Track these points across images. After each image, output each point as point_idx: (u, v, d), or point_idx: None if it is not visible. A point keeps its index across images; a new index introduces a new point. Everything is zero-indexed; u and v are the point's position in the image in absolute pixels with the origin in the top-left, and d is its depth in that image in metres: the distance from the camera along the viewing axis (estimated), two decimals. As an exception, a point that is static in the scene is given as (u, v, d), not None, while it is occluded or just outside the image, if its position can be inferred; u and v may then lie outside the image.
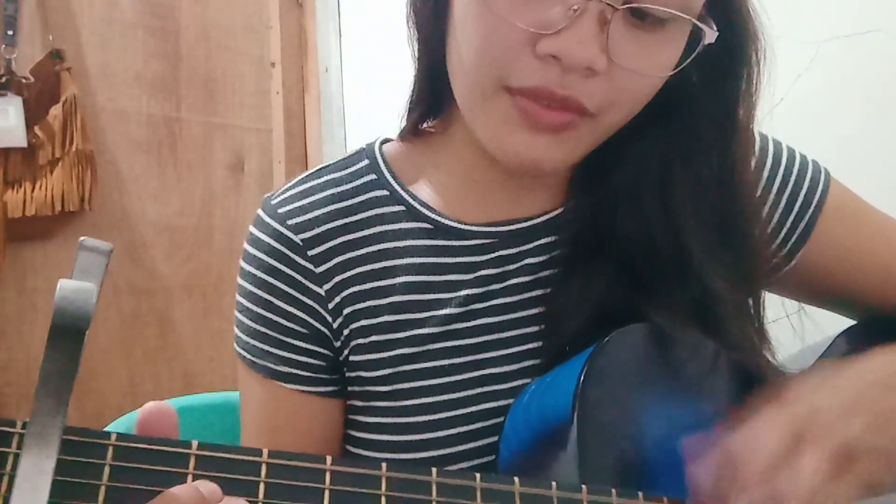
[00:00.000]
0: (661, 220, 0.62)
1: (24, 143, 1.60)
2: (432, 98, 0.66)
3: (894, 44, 0.97)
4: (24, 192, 1.61)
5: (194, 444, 0.37)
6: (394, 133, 0.71)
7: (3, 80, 1.59)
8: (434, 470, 0.42)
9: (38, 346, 1.63)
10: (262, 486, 0.38)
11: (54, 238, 1.66)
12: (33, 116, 1.61)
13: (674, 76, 0.57)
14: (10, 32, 1.62)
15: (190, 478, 0.36)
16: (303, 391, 0.64)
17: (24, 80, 1.62)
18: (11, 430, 0.34)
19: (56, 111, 1.63)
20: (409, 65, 0.67)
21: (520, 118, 0.55)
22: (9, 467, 0.33)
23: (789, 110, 1.03)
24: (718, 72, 0.60)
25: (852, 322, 0.74)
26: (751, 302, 0.64)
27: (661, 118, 0.61)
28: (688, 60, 0.56)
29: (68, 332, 0.32)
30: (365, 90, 1.95)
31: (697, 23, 0.55)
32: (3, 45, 1.61)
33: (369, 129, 1.91)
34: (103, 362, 1.68)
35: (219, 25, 1.92)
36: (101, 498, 0.34)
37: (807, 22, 1.05)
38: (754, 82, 0.61)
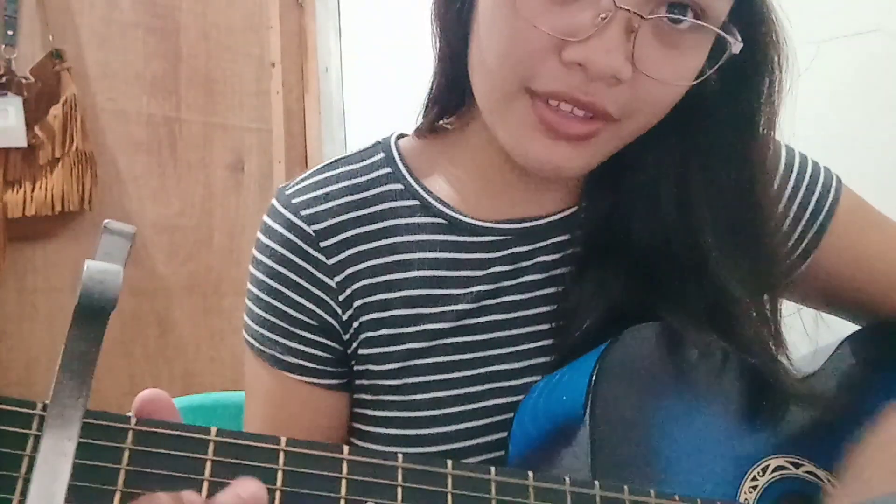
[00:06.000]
0: (679, 223, 0.61)
1: (24, 143, 1.59)
2: (451, 95, 0.66)
3: (894, 44, 0.98)
4: (24, 192, 1.60)
5: (213, 430, 0.37)
6: (399, 131, 0.71)
7: (3, 80, 1.59)
8: (450, 462, 0.42)
9: (38, 346, 1.62)
10: (279, 474, 0.38)
11: (54, 238, 1.66)
12: (33, 116, 1.61)
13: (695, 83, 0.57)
14: (10, 32, 1.61)
15: (209, 464, 0.36)
16: (308, 382, 0.64)
17: (24, 80, 1.61)
18: (32, 411, 0.33)
19: (56, 111, 1.63)
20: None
21: (541, 126, 0.55)
22: (29, 449, 0.33)
23: (789, 110, 1.03)
24: (740, 79, 0.60)
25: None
26: (767, 305, 0.64)
27: (681, 123, 0.60)
28: (712, 70, 0.56)
29: (94, 314, 0.32)
30: (365, 90, 1.95)
31: (723, 34, 0.54)
32: (3, 45, 1.61)
33: (369, 129, 1.92)
34: (103, 362, 1.65)
35: (219, 25, 1.92)
36: (120, 481, 0.34)
37: (807, 22, 1.05)
38: (776, 90, 0.61)
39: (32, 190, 1.61)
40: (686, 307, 0.59)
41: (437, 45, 0.64)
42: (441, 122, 0.69)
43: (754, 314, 0.62)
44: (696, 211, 0.61)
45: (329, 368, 0.64)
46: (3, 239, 1.59)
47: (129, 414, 0.37)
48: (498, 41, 0.55)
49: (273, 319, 0.64)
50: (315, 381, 0.64)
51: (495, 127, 0.59)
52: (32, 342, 1.62)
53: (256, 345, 0.65)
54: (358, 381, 0.65)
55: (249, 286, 0.66)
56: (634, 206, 0.63)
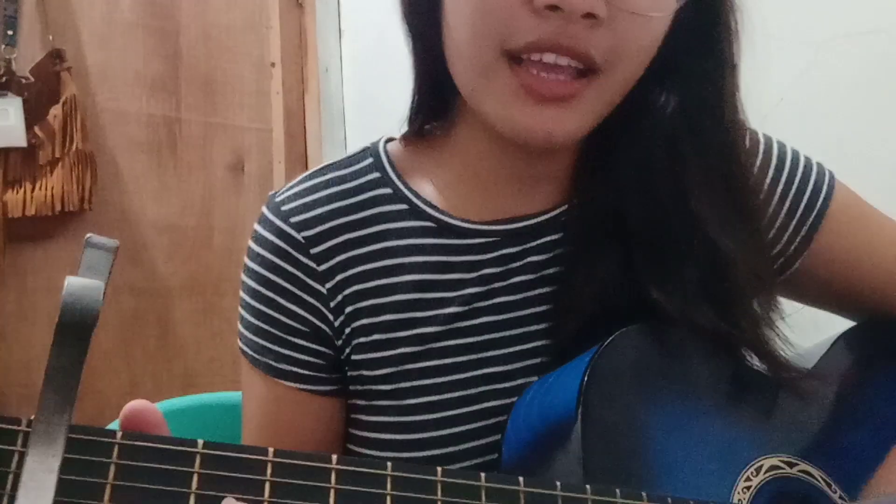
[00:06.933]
0: (673, 191, 0.61)
1: (24, 143, 1.60)
2: (434, 104, 0.66)
3: (894, 44, 0.97)
4: (24, 192, 1.61)
5: (200, 442, 0.37)
6: (395, 133, 0.71)
7: (3, 80, 1.59)
8: (439, 469, 0.42)
9: (39, 346, 1.63)
10: (267, 486, 0.38)
11: (54, 238, 1.66)
12: (33, 116, 1.62)
13: (663, 50, 0.58)
14: (10, 32, 1.62)
15: (196, 477, 0.36)
16: (303, 389, 0.64)
17: (24, 80, 1.62)
18: (17, 427, 0.33)
19: (56, 111, 1.63)
20: (410, 66, 0.67)
21: (524, 93, 0.55)
22: (14, 466, 0.33)
23: (789, 110, 1.03)
24: (703, 38, 0.60)
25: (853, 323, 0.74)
26: (759, 273, 0.63)
27: (660, 90, 0.61)
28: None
29: (75, 330, 0.32)
30: (365, 90, 1.95)
31: None
32: (3, 45, 1.61)
33: (369, 129, 1.91)
34: (103, 363, 1.68)
35: (219, 25, 1.92)
36: (106, 497, 0.34)
37: (807, 22, 1.05)
38: (734, 50, 0.61)
39: (32, 190, 1.61)
40: (682, 287, 0.59)
41: (412, 47, 0.65)
42: (427, 126, 0.69)
43: (749, 282, 0.61)
44: (690, 176, 0.61)
45: (323, 375, 0.65)
46: (3, 239, 1.60)
47: (115, 427, 0.37)
48: (468, 11, 0.55)
49: (266, 327, 0.64)
50: (309, 387, 0.64)
51: (480, 104, 0.58)
52: (32, 342, 1.63)
53: (250, 353, 0.65)
54: (352, 387, 0.65)
55: (242, 294, 0.66)
56: (628, 185, 0.62)
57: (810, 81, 1.04)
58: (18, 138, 1.59)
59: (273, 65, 1.98)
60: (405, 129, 0.69)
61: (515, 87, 0.55)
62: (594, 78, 0.55)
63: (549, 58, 0.54)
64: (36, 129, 1.62)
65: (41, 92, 1.64)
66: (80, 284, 0.33)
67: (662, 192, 0.61)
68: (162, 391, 1.74)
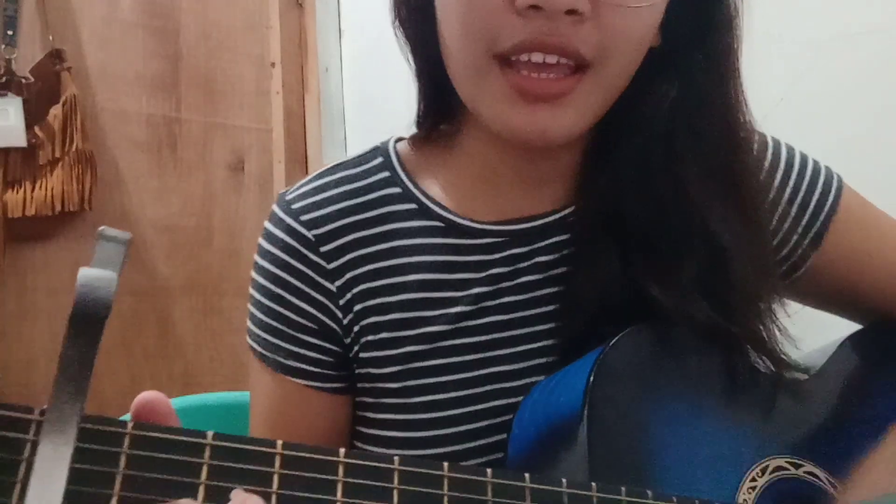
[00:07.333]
0: (672, 186, 0.61)
1: (24, 143, 1.59)
2: (440, 107, 0.67)
3: (895, 44, 0.98)
4: (24, 192, 1.60)
5: (210, 434, 0.37)
6: (397, 132, 0.71)
7: (3, 80, 1.59)
8: (446, 464, 0.42)
9: (39, 345, 1.62)
10: (276, 477, 0.38)
11: (54, 238, 1.66)
12: (33, 116, 1.61)
13: (661, 42, 0.58)
14: (10, 32, 1.61)
15: (205, 468, 0.36)
16: (311, 386, 0.64)
17: (24, 80, 1.61)
18: (30, 416, 0.34)
19: (56, 111, 1.63)
20: (410, 70, 0.67)
21: (516, 94, 0.55)
22: (26, 454, 0.33)
23: (789, 110, 1.04)
24: (701, 25, 0.60)
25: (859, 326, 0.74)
26: (759, 268, 0.63)
27: (660, 82, 0.61)
28: None
29: (89, 320, 0.32)
30: (365, 90, 1.95)
31: None
32: (3, 45, 1.61)
33: (369, 129, 1.91)
34: (103, 362, 1.67)
35: (219, 25, 1.92)
36: (117, 486, 0.34)
37: (807, 22, 1.05)
38: (735, 36, 0.61)
39: (32, 190, 1.61)
40: (681, 282, 0.59)
41: (411, 54, 0.65)
42: (436, 129, 0.69)
43: (747, 275, 0.61)
44: (688, 171, 0.61)
45: (331, 372, 0.65)
46: (3, 239, 1.59)
47: (127, 418, 0.37)
48: (454, 18, 0.56)
49: (275, 324, 0.64)
50: (317, 384, 0.65)
51: (476, 107, 0.59)
52: (32, 342, 1.62)
53: (259, 349, 0.65)
54: (359, 385, 0.65)
55: (252, 291, 0.66)
56: (629, 182, 0.63)
57: (810, 81, 1.04)
58: (18, 138, 1.59)
59: (273, 65, 1.98)
60: (412, 130, 0.70)
61: (507, 89, 0.55)
62: (587, 73, 0.55)
63: (538, 57, 0.54)
64: (36, 129, 1.62)
65: (41, 92, 1.63)
66: (94, 275, 0.33)
67: (662, 187, 0.62)
68: (162, 391, 1.73)
